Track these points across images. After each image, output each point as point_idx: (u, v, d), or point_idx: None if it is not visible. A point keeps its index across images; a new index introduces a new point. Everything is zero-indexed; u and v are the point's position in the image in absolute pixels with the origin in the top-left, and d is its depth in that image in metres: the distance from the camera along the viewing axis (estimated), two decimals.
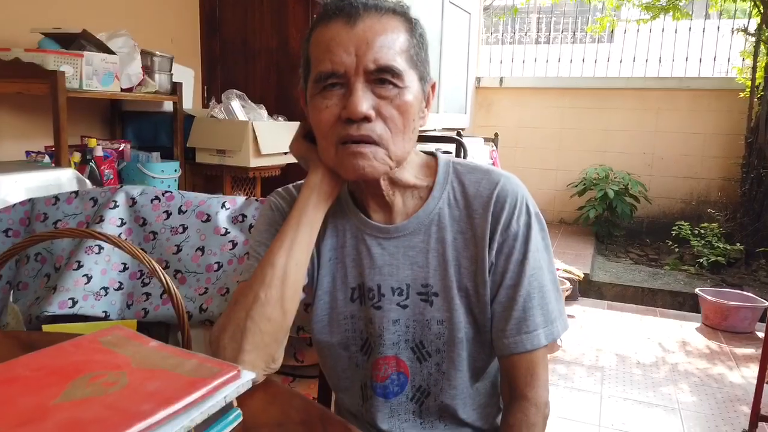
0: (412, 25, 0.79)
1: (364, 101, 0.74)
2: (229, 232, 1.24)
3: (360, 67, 0.74)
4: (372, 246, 0.86)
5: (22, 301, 1.22)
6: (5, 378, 0.54)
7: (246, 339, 0.74)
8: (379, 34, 0.74)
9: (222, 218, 1.25)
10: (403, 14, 0.78)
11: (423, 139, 3.35)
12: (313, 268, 0.87)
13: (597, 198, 4.74)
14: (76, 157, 2.37)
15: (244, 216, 1.26)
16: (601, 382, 2.49)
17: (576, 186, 5.02)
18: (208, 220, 1.24)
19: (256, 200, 1.29)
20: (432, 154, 0.90)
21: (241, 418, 0.63)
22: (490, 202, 0.82)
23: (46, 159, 2.26)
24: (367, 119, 0.75)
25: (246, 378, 0.62)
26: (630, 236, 5.05)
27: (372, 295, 0.85)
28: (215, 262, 1.22)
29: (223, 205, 1.27)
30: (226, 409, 0.62)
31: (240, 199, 1.30)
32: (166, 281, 0.95)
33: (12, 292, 1.25)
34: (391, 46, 0.75)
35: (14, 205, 1.28)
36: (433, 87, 0.84)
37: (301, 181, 0.89)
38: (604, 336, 3.03)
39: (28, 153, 2.32)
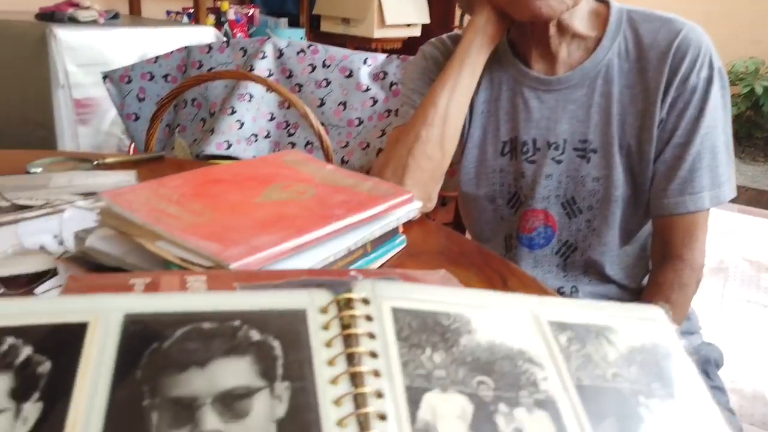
0: None
1: None
2: (370, 89, 1.25)
3: None
4: (529, 98, 0.83)
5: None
6: (210, 179, 0.60)
7: (407, 175, 0.77)
8: None
9: (364, 75, 1.26)
10: None
11: None
12: (464, 121, 0.87)
13: (741, 94, 4.27)
14: (210, 19, 2.45)
15: (385, 73, 1.26)
16: (723, 283, 2.39)
17: None
18: (350, 75, 1.26)
19: (398, 57, 1.28)
20: (603, 1, 0.84)
21: (405, 243, 0.67)
22: (669, 52, 0.76)
23: (185, 19, 2.35)
24: None
25: (415, 205, 0.65)
26: None
27: (526, 149, 0.84)
28: (356, 118, 1.24)
29: (365, 62, 1.27)
30: (393, 233, 0.65)
31: (381, 56, 1.29)
32: (315, 124, 0.99)
33: (171, 134, 1.36)
34: None
35: (172, 52, 1.36)
36: None
37: (454, 32, 0.86)
38: (731, 239, 2.85)
39: (168, 12, 2.42)
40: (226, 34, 2.39)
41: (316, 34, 2.82)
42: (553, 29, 0.79)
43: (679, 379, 0.31)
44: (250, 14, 2.65)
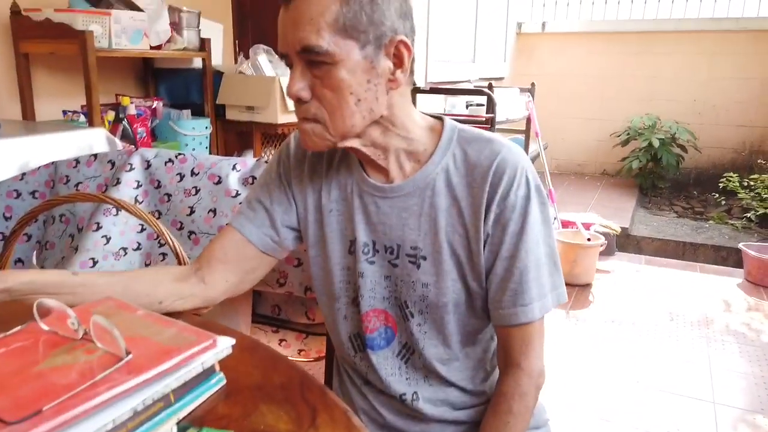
0: None
1: (295, 83, 0.75)
2: (239, 194, 1.26)
3: (293, 49, 0.74)
4: (369, 203, 0.86)
5: (49, 260, 1.29)
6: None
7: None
8: (303, 12, 0.72)
9: (233, 180, 1.27)
10: None
11: (452, 92, 3.27)
12: (306, 222, 0.90)
13: (641, 148, 4.56)
14: (110, 115, 2.43)
15: (254, 177, 1.28)
16: (637, 337, 2.47)
17: (619, 136, 4.83)
18: (219, 182, 1.27)
19: (266, 162, 1.31)
20: (439, 119, 0.88)
21: (224, 382, 0.66)
22: (489, 172, 0.80)
23: (82, 118, 2.33)
24: (301, 100, 0.76)
25: (223, 345, 0.65)
26: (676, 188, 4.87)
27: (366, 250, 0.86)
28: (227, 224, 1.25)
29: (233, 167, 1.29)
30: (208, 374, 0.65)
31: (251, 160, 1.31)
32: (171, 242, 0.98)
33: (41, 251, 1.32)
34: (314, 22, 0.71)
35: (39, 168, 1.34)
36: (400, 45, 0.76)
37: None
38: (639, 291, 2.98)
39: (64, 112, 2.39)
40: (124, 131, 2.38)
41: (223, 122, 2.85)
42: (367, 149, 0.82)
43: None
44: (153, 107, 2.66)
